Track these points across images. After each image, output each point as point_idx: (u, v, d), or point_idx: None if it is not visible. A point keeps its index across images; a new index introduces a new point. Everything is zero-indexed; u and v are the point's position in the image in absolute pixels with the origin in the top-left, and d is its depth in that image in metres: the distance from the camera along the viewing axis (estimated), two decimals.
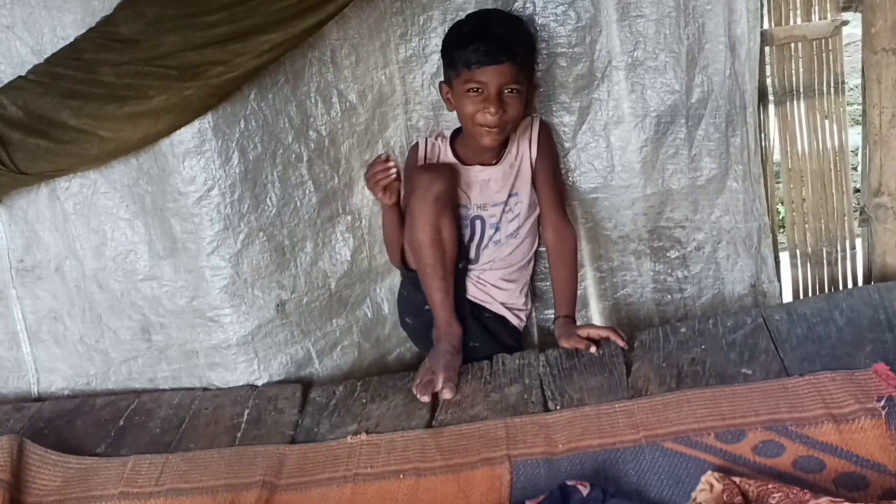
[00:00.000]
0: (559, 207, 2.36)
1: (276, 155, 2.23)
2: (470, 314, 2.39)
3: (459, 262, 2.33)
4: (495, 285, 2.40)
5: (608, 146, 2.43)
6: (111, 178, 2.20)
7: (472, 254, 2.38)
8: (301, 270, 2.35)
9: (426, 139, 2.42)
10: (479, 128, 2.23)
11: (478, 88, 2.19)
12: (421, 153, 2.40)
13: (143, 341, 2.34)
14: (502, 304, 2.41)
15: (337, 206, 2.39)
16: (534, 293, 2.53)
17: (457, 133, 2.39)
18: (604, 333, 2.18)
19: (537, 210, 2.39)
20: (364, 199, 2.44)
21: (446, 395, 2.11)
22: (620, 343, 2.15)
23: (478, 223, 2.35)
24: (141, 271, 2.26)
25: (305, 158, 2.29)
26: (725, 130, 2.35)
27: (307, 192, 2.31)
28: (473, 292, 2.40)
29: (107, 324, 2.33)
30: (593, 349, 2.15)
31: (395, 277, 2.51)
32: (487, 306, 2.41)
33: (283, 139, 2.24)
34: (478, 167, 2.34)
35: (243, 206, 2.20)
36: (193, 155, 2.12)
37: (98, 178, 2.20)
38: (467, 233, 2.36)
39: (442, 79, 2.33)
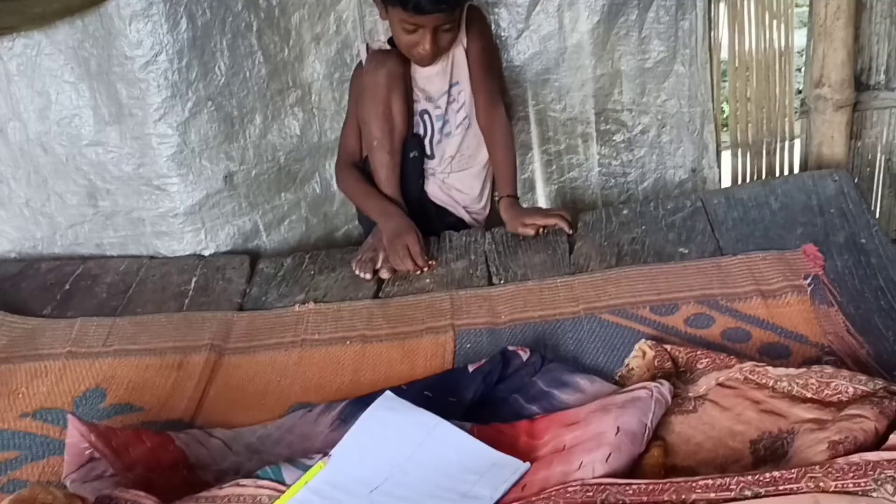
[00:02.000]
0: (489, 89, 2.31)
1: (225, 22, 2.20)
2: (434, 216, 2.41)
3: (411, 151, 2.33)
4: (459, 189, 2.41)
5: (561, 28, 2.43)
6: (55, 40, 2.15)
7: (428, 150, 2.38)
8: (250, 143, 2.35)
9: (367, 51, 2.31)
10: (416, 56, 2.21)
11: (413, 28, 2.14)
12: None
13: (90, 207, 2.33)
14: (464, 208, 2.43)
15: (287, 78, 2.38)
16: (492, 200, 2.53)
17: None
18: (551, 222, 2.20)
19: None
20: (315, 73, 2.42)
21: (384, 274, 2.14)
22: (567, 230, 2.19)
23: (426, 117, 2.34)
24: (86, 136, 2.24)
25: (255, 28, 2.27)
26: (675, 14, 2.38)
27: (257, 62, 2.29)
28: (437, 194, 2.41)
29: (52, 188, 2.32)
30: (531, 230, 2.19)
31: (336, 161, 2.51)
32: (451, 210, 2.43)
33: (232, 6, 2.21)
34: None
35: (191, 73, 2.18)
36: (140, 18, 2.08)
37: (42, 38, 2.15)
38: (420, 130, 2.36)
39: None
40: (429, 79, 2.30)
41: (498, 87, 2.37)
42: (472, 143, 2.37)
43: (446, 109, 2.33)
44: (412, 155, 2.33)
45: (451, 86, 2.32)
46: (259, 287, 2.18)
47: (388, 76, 2.22)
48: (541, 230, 2.20)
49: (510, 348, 1.71)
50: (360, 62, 2.31)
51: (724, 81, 2.62)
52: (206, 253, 2.34)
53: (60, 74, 2.19)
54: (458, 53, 2.30)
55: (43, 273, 2.28)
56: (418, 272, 2.14)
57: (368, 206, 2.30)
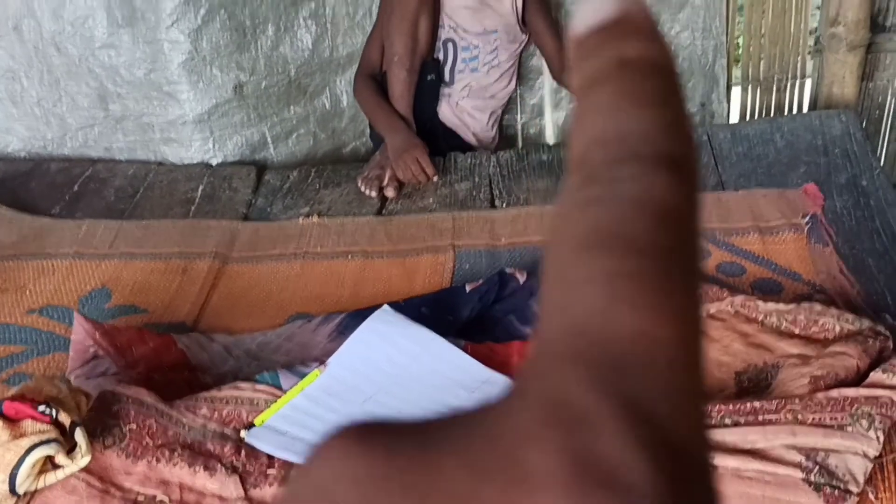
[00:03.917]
0: (559, 39, 2.34)
1: None
2: (442, 139, 2.42)
3: (429, 74, 2.34)
4: (471, 114, 2.42)
5: None
6: None
7: (447, 76, 2.38)
8: (261, 53, 2.35)
9: None
10: None
11: None
12: None
13: (100, 110, 2.34)
14: (474, 134, 2.44)
15: None
16: (501, 130, 2.54)
17: None
18: None
19: (520, 46, 2.40)
20: None
21: (389, 193, 2.16)
22: None
23: (450, 45, 2.35)
24: (99, 38, 2.24)
25: None
26: None
27: None
28: (448, 117, 2.42)
29: (64, 89, 2.33)
30: None
31: (356, 69, 2.51)
32: (460, 134, 2.44)
33: None
34: None
35: None
36: None
37: None
38: (440, 56, 2.36)
39: None
40: (457, 10, 2.30)
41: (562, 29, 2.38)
42: (497, 82, 2.39)
43: (479, 48, 2.34)
44: (429, 78, 2.34)
45: (487, 31, 2.33)
46: (264, 198, 2.21)
47: None
48: None
49: (508, 270, 1.74)
50: None
51: (741, 15, 2.59)
52: (214, 162, 2.36)
53: None
54: (505, 4, 2.30)
55: (52, 173, 2.31)
56: (426, 182, 2.16)
57: (378, 119, 2.32)
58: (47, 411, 1.13)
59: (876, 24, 2.42)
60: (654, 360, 0.25)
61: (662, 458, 0.23)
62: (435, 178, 2.17)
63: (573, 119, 0.31)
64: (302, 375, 1.45)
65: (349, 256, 1.95)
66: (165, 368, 1.53)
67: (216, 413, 1.35)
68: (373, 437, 0.25)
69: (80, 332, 1.53)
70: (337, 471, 0.24)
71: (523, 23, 2.37)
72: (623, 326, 0.25)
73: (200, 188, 2.24)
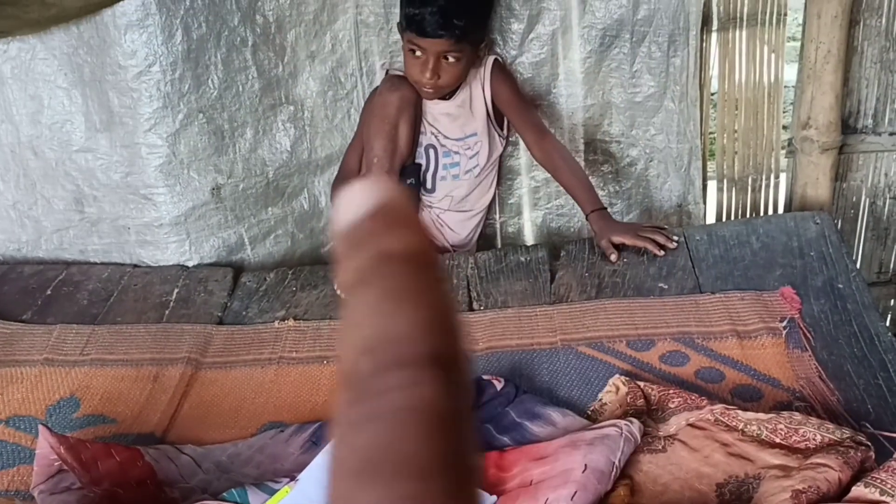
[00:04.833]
0: (532, 124, 2.33)
1: (220, 36, 2.21)
2: None
3: (408, 178, 2.35)
4: (451, 227, 2.43)
5: (553, 55, 2.45)
6: (50, 45, 2.16)
7: (429, 183, 2.40)
8: (239, 156, 2.36)
9: (386, 75, 2.39)
10: (417, 83, 2.25)
11: (416, 51, 2.18)
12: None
13: (76, 212, 2.33)
14: (452, 245, 2.45)
15: (280, 94, 2.39)
16: (483, 235, 2.56)
17: None
18: (639, 244, 2.11)
19: (499, 150, 2.43)
20: (308, 90, 2.43)
21: None
22: (658, 253, 2.10)
23: (431, 152, 2.38)
24: (76, 142, 2.24)
25: (250, 43, 2.28)
26: (667, 50, 2.39)
27: (250, 77, 2.30)
28: (427, 225, 2.42)
29: (41, 192, 2.32)
30: (614, 257, 2.11)
31: (334, 171, 2.53)
32: (437, 243, 2.45)
33: (228, 21, 2.22)
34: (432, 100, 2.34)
35: (184, 85, 2.19)
36: (136, 28, 2.09)
37: (37, 43, 2.16)
38: (422, 161, 2.38)
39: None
40: (437, 118, 2.34)
41: (539, 120, 2.38)
42: (477, 191, 2.41)
43: (460, 154, 2.37)
44: (409, 182, 2.35)
45: (467, 135, 2.36)
46: (240, 301, 2.18)
47: (401, 99, 2.26)
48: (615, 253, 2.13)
49: (485, 377, 1.72)
50: (377, 87, 2.36)
51: (713, 109, 2.63)
52: (190, 264, 2.34)
53: (54, 80, 2.20)
54: (478, 105, 2.35)
55: (26, 277, 2.29)
56: None
57: None
58: None
59: (847, 126, 2.46)
60: None
61: None
62: None
63: (342, 326, 0.31)
64: (271, 492, 1.40)
65: (324, 361, 1.92)
66: (131, 483, 1.49)
67: None
68: None
69: (44, 446, 1.49)
70: None
71: (499, 123, 2.39)
72: None
73: (175, 291, 2.22)
